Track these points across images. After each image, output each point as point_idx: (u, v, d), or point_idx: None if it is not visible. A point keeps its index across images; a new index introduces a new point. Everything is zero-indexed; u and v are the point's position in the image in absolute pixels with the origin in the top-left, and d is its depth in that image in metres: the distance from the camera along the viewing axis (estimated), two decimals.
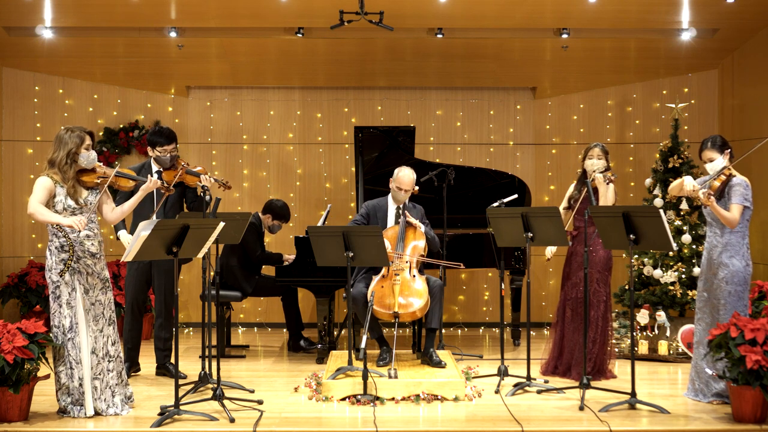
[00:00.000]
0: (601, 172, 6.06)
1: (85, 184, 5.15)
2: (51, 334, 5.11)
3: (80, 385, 5.10)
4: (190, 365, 6.68)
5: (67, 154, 5.07)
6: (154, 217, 5.78)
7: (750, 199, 5.37)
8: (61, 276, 5.07)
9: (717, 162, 5.46)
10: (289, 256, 7.24)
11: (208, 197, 5.89)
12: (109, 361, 5.20)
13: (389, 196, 6.57)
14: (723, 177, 5.35)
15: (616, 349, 7.17)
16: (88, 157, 5.14)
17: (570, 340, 6.20)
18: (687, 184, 5.45)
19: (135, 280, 6.24)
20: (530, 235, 5.67)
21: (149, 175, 5.49)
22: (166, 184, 5.60)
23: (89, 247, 5.14)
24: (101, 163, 5.26)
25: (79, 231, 5.05)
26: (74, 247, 5.09)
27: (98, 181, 5.17)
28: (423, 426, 5.00)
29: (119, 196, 5.95)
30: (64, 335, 5.08)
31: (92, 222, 5.18)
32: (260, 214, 7.46)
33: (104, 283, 5.24)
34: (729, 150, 5.49)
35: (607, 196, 6.05)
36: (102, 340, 5.18)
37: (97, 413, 5.12)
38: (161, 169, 6.09)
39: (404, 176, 6.40)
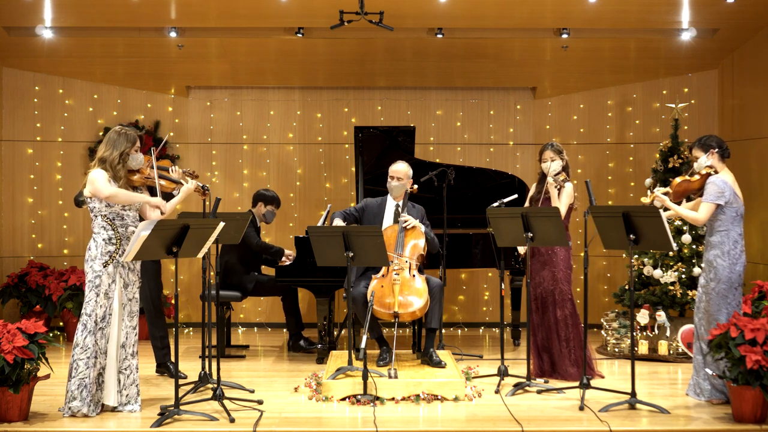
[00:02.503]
0: (558, 174, 6.15)
1: (132, 182, 5.31)
2: (79, 323, 5.14)
3: (99, 375, 5.14)
4: (190, 365, 6.68)
5: (120, 154, 5.21)
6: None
7: (726, 196, 5.34)
8: (104, 267, 5.15)
9: (701, 161, 5.50)
10: (290, 252, 7.22)
11: (204, 200, 5.90)
12: (135, 359, 5.29)
13: (389, 195, 6.58)
14: (697, 177, 5.39)
15: (616, 349, 7.18)
16: (137, 158, 5.31)
17: (541, 339, 6.23)
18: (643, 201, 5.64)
19: None
20: (530, 235, 5.67)
21: (189, 178, 5.55)
22: (203, 188, 5.66)
23: None
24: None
25: (164, 212, 5.30)
26: (121, 241, 5.19)
27: (143, 181, 5.32)
28: (423, 426, 5.00)
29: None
30: (95, 325, 5.14)
31: (137, 219, 5.31)
32: (252, 209, 7.45)
33: (141, 282, 5.38)
34: (715, 150, 5.49)
35: (560, 199, 6.11)
36: (133, 337, 5.28)
37: (113, 407, 5.19)
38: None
39: (396, 166, 6.51)
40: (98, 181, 5.12)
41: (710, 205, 5.35)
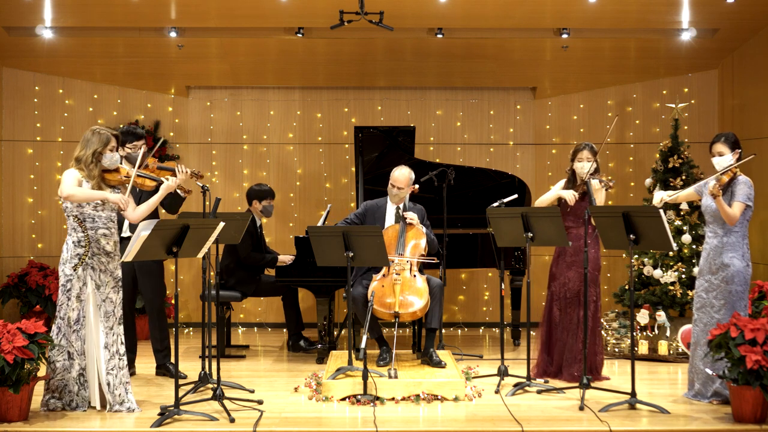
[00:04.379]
0: (594, 176, 6.05)
1: (109, 182, 5.27)
2: (53, 326, 5.17)
3: (79, 375, 5.16)
4: (190, 365, 6.68)
5: (92, 153, 5.19)
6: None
7: (752, 199, 5.38)
8: (74, 270, 5.15)
9: (725, 158, 5.47)
10: (286, 257, 7.19)
11: (181, 195, 5.92)
12: (120, 359, 5.27)
13: (389, 197, 6.56)
14: (730, 173, 5.37)
15: (616, 350, 7.17)
16: (112, 158, 5.26)
17: (559, 340, 6.18)
18: (656, 197, 5.66)
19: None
20: (530, 235, 5.66)
21: (170, 176, 5.54)
22: (203, 188, 5.65)
23: (105, 245, 5.22)
24: (124, 165, 5.38)
25: (123, 210, 5.22)
26: (91, 244, 5.18)
27: (121, 180, 5.29)
28: (423, 426, 5.00)
29: (143, 195, 5.97)
30: (68, 327, 5.16)
31: (111, 221, 5.28)
32: (249, 209, 7.40)
33: (116, 282, 5.33)
34: (739, 150, 5.50)
35: (600, 201, 6.07)
36: (112, 337, 5.26)
37: (106, 407, 5.20)
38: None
39: (399, 174, 6.41)
40: (63, 181, 5.12)
41: (743, 205, 5.35)
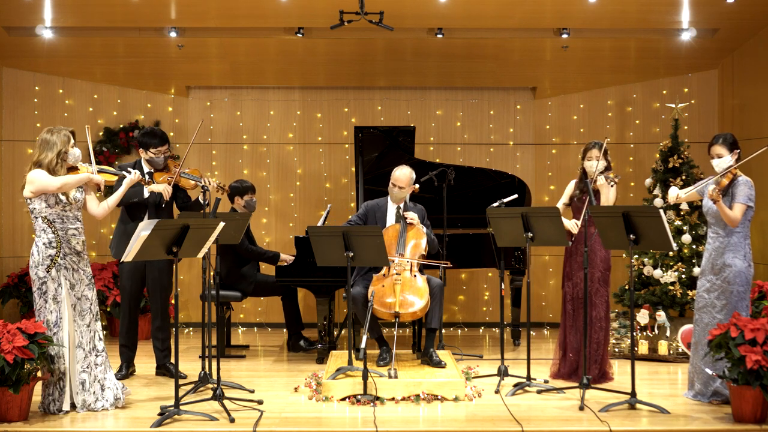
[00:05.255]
0: (602, 173, 6.05)
1: None
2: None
3: (59, 379, 5.16)
4: (190, 365, 6.68)
5: (57, 154, 5.18)
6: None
7: (753, 199, 5.38)
8: (47, 272, 5.14)
9: (725, 159, 5.47)
10: (287, 257, 7.18)
11: (205, 199, 5.93)
12: (96, 356, 5.26)
13: (389, 196, 6.56)
14: (730, 175, 5.37)
15: (616, 350, 7.18)
16: (74, 154, 5.27)
17: (573, 341, 6.17)
18: (671, 193, 5.67)
19: (130, 280, 6.24)
20: (530, 235, 5.67)
21: (128, 168, 5.56)
22: (149, 179, 5.66)
23: (75, 245, 5.23)
24: (84, 163, 5.39)
25: (99, 189, 5.28)
26: (62, 244, 5.16)
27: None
28: (423, 426, 5.00)
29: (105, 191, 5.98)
30: (48, 330, 5.15)
31: (78, 221, 5.27)
32: (234, 207, 7.34)
33: (89, 280, 5.33)
34: (738, 150, 5.51)
35: (609, 198, 6.05)
36: (89, 334, 5.26)
37: (81, 407, 5.19)
38: (152, 171, 6.11)
39: (400, 173, 6.41)
40: (42, 179, 5.09)
41: (744, 206, 5.34)
